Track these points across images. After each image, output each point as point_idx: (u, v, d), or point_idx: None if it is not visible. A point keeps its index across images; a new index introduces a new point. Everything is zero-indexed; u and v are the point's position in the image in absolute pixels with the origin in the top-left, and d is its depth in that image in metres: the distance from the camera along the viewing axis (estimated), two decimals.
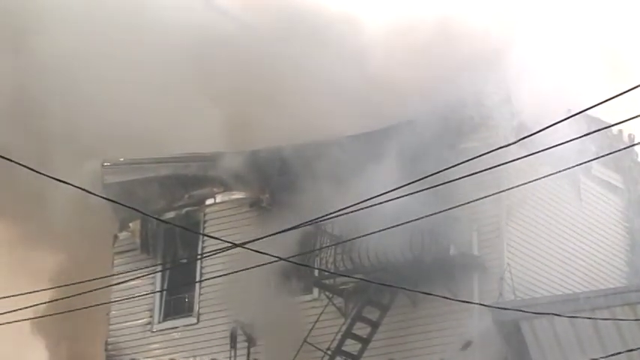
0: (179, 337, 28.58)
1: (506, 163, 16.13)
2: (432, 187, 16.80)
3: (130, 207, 23.62)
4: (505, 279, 24.78)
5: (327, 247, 24.71)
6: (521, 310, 23.53)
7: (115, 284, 26.31)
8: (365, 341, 25.24)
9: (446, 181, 16.09)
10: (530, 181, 18.17)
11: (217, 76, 28.33)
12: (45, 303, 24.32)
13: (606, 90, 15.18)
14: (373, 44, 28.46)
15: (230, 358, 27.19)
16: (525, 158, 16.24)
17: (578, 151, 19.08)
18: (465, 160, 15.88)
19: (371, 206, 17.52)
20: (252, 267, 21.83)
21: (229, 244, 21.52)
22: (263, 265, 20.61)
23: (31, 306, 21.79)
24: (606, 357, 21.75)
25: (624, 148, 25.21)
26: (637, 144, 26.50)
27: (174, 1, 30.59)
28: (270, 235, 19.09)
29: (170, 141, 28.68)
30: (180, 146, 28.60)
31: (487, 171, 16.10)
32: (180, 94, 28.46)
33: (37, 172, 16.57)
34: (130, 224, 28.62)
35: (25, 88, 29.74)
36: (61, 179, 16.90)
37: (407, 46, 27.87)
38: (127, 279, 26.69)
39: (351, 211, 18.37)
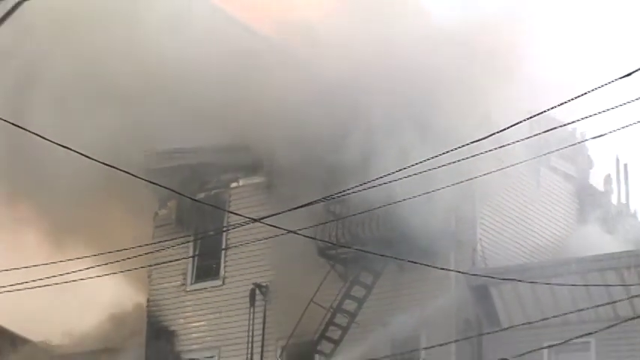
0: (207, 297, 28.60)
1: (477, 155, 16.45)
2: (418, 173, 16.91)
3: (168, 188, 23.16)
4: (477, 251, 25.04)
5: (331, 221, 24.50)
6: (489, 277, 23.61)
7: (155, 251, 25.93)
8: (361, 301, 25.39)
9: (430, 168, 16.41)
10: (495, 170, 18.27)
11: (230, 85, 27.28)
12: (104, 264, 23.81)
13: (567, 95, 15.32)
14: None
15: (249, 314, 27.18)
16: (495, 154, 16.53)
17: (539, 147, 19.19)
18: (446, 151, 16.14)
19: (369, 188, 17.96)
20: (268, 238, 22.68)
21: (249, 220, 21.52)
22: (276, 236, 21.22)
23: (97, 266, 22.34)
24: (559, 315, 21.85)
25: (575, 144, 24.46)
26: (586, 140, 26.07)
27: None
28: (281, 212, 19.42)
29: (199, 134, 28.12)
30: (208, 138, 28.19)
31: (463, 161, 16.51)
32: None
33: (95, 160, 16.63)
34: (168, 203, 28.79)
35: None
36: (110, 164, 17.20)
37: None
38: (164, 247, 25.90)
39: (351, 193, 18.89)
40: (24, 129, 16.64)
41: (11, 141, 25.63)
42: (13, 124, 16.51)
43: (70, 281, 21.57)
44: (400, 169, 17.23)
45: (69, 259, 22.44)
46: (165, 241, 26.54)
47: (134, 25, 28.32)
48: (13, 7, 23.71)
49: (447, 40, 26.18)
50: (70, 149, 16.26)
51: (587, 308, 21.95)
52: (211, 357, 27.93)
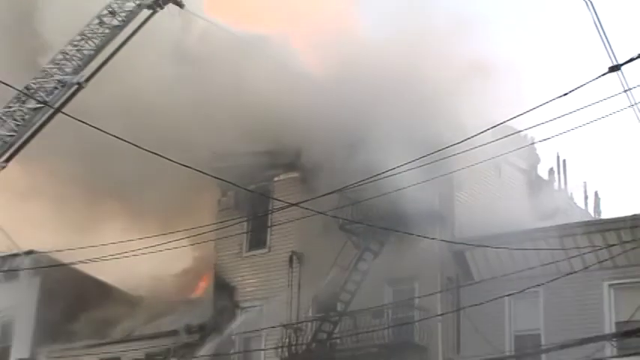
0: (257, 261, 28.77)
1: (453, 155, 17.39)
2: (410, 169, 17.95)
3: (228, 182, 23.37)
4: (455, 225, 25.16)
5: (348, 205, 24.60)
6: (464, 244, 23.80)
7: (219, 229, 26.57)
8: (370, 263, 25.42)
9: (420, 165, 17.37)
10: (467, 166, 18.60)
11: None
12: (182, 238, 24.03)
13: (520, 109, 15.50)
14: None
15: (289, 274, 27.36)
16: (467, 155, 17.18)
17: (500, 148, 19.23)
18: (432, 152, 17.11)
19: (375, 180, 19.00)
20: (301, 217, 23.02)
21: (288, 204, 22.30)
22: (308, 217, 21.60)
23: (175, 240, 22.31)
24: (516, 272, 22.25)
25: (525, 146, 24.95)
26: (534, 143, 25.88)
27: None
28: (311, 199, 20.61)
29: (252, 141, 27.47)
30: (258, 144, 27.60)
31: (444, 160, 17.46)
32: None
33: (178, 163, 17.59)
34: (228, 193, 28.62)
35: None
36: (187, 165, 17.98)
37: None
38: (226, 225, 26.44)
39: (362, 184, 19.70)
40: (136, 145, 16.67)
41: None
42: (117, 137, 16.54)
43: (164, 250, 22.21)
44: (399, 165, 17.71)
45: (163, 234, 22.71)
46: (227, 220, 27.10)
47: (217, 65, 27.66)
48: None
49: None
50: (162, 156, 17.08)
51: (537, 266, 22.09)
52: (261, 306, 27.82)
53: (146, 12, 24.23)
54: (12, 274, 31.98)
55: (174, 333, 29.20)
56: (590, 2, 12.55)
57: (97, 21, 23.95)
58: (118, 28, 23.95)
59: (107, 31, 23.84)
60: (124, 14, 24.06)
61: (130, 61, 25.96)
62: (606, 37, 12.82)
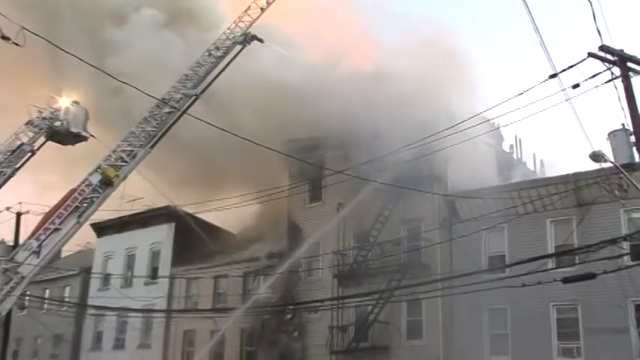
0: (316, 210, 28.35)
1: (445, 137, 17.37)
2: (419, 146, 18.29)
3: (294, 157, 23.92)
4: (448, 183, 24.81)
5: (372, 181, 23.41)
6: (454, 195, 23.82)
7: (290, 189, 27.26)
8: (391, 210, 25.54)
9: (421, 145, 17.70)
10: (453, 145, 17.98)
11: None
12: (265, 195, 24.48)
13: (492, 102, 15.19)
14: None
15: (338, 219, 26.73)
16: (453, 137, 17.06)
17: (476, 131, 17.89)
18: (429, 135, 17.27)
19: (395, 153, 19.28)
20: (345, 180, 22.96)
21: (336, 171, 22.52)
22: (348, 180, 21.98)
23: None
24: (489, 214, 22.23)
25: (493, 130, 23.89)
26: (497, 128, 24.97)
27: None
28: (350, 167, 21.43)
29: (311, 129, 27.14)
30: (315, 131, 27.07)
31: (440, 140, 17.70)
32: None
33: (263, 146, 17.97)
34: (295, 165, 27.45)
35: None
36: (269, 147, 18.48)
37: None
38: (296, 186, 27.24)
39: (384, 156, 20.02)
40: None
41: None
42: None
43: (254, 203, 22.33)
44: (411, 143, 18.23)
45: (252, 192, 23.24)
46: (295, 184, 27.71)
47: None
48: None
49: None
50: (260, 145, 17.50)
51: (502, 210, 21.91)
52: (318, 239, 26.94)
53: (238, 47, 24.56)
54: (157, 220, 33.33)
55: (261, 258, 29.20)
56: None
57: (207, 53, 24.48)
58: (220, 58, 24.34)
59: (213, 60, 24.24)
60: (224, 48, 24.57)
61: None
62: (546, 49, 12.75)
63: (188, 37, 29.36)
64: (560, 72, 12.57)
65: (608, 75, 12.78)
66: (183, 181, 31.65)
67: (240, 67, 24.86)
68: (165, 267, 32.60)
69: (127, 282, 33.81)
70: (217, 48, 24.38)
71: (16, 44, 11.08)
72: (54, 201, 21.21)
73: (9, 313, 21.91)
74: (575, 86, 12.54)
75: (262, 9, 24.61)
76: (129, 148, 22.32)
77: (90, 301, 34.03)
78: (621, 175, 14.97)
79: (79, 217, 21.17)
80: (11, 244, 26.32)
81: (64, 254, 36.93)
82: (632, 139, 13.11)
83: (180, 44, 29.10)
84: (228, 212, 26.20)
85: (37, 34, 12.31)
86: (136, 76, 20.56)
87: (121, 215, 31.48)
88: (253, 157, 24.97)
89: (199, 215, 30.43)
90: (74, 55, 13.11)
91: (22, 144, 21.97)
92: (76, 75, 23.95)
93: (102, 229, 35.51)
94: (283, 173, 28.86)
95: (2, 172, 21.26)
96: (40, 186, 31.86)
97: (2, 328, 24.97)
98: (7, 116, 27.14)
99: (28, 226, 23.50)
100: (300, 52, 28.18)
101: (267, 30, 25.32)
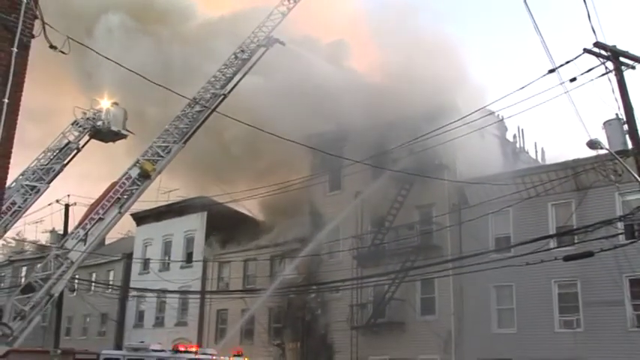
0: (335, 197, 28.10)
1: (452, 129, 17.22)
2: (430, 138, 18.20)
3: (316, 149, 23.47)
4: (457, 170, 24.76)
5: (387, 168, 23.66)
6: (462, 182, 23.71)
7: (312, 178, 27.01)
8: (405, 196, 25.50)
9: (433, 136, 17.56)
10: (460, 136, 17.91)
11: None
12: (288, 184, 24.24)
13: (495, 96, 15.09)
14: None
15: (355, 205, 26.71)
16: (460, 129, 16.93)
17: (483, 123, 17.93)
18: (439, 127, 17.21)
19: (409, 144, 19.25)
20: (362, 170, 22.93)
21: (354, 161, 22.03)
22: (366, 169, 21.85)
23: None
24: (497, 198, 21.96)
25: (495, 122, 23.37)
26: (501, 120, 25.22)
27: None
28: (368, 158, 21.50)
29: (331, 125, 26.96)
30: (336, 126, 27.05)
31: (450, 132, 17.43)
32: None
33: (290, 140, 17.83)
34: (316, 156, 27.01)
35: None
36: (292, 140, 18.28)
37: None
38: (316, 176, 27.03)
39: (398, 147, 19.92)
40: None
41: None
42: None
43: (279, 192, 22.57)
44: (423, 134, 18.09)
45: (275, 184, 23.00)
46: (316, 173, 27.55)
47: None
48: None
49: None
50: (283, 138, 17.22)
51: (507, 194, 21.86)
52: (338, 224, 26.79)
53: (262, 49, 24.82)
54: (191, 209, 33.55)
55: (286, 242, 29.37)
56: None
57: (233, 56, 24.78)
58: (246, 60, 24.61)
59: (239, 62, 24.54)
60: (249, 51, 24.82)
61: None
62: (547, 48, 12.77)
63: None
64: (559, 67, 12.60)
65: (602, 69, 12.95)
66: (215, 175, 32.14)
67: (263, 68, 25.21)
68: (198, 252, 33.04)
69: (165, 266, 34.47)
70: (243, 51, 24.69)
71: (63, 52, 11.36)
72: (98, 193, 21.83)
73: (61, 295, 22.91)
74: (573, 80, 12.56)
75: (283, 14, 24.90)
76: (164, 144, 22.83)
77: (132, 284, 34.76)
78: (616, 161, 15.05)
79: (121, 207, 21.85)
80: (61, 232, 27.33)
81: (107, 241, 37.92)
82: (626, 127, 13.27)
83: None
84: (255, 201, 26.75)
85: (82, 44, 12.62)
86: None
87: (158, 205, 31.70)
88: (277, 152, 25.22)
89: (229, 205, 30.57)
90: (117, 63, 13.33)
91: (69, 142, 22.51)
92: (112, 78, 24.40)
93: (141, 218, 36.09)
94: (302, 165, 28.87)
95: (52, 168, 21.80)
96: (86, 179, 33.06)
97: (56, 308, 25.91)
98: (52, 117, 28.15)
99: (76, 216, 24.44)
100: (316, 53, 28.20)
101: (287, 32, 25.47)
